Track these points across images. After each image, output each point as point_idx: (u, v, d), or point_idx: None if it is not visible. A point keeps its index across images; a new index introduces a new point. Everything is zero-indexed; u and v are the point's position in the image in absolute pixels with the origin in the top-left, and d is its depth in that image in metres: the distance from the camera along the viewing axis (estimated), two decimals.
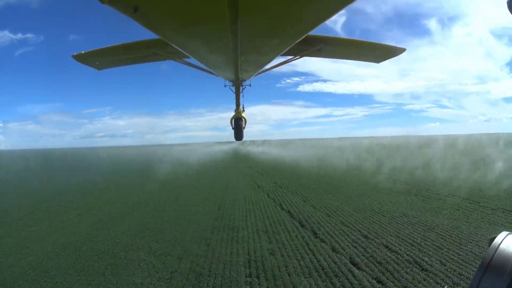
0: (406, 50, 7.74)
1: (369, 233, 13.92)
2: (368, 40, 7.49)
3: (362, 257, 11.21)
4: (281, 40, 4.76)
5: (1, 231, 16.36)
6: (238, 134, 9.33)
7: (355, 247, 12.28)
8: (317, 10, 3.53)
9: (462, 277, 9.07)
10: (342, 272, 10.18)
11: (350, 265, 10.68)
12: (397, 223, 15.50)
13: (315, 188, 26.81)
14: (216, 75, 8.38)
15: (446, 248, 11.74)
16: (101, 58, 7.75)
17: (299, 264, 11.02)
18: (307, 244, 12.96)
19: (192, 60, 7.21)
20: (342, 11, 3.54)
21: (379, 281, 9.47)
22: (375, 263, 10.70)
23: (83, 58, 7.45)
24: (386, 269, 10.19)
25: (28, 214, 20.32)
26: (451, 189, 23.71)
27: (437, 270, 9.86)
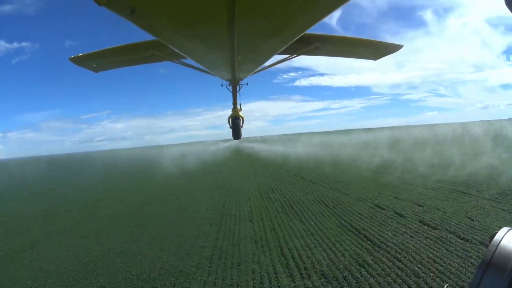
0: (403, 46, 7.79)
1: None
2: (364, 37, 7.49)
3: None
4: (278, 40, 4.77)
5: None
6: (236, 133, 9.38)
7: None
8: (314, 9, 3.54)
9: None
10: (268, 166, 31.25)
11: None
12: None
13: None
14: (213, 75, 8.40)
15: None
16: (98, 61, 7.73)
17: (252, 165, 38.37)
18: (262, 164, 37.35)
19: (189, 60, 7.22)
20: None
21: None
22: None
23: (80, 61, 7.43)
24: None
25: None
26: None
27: None
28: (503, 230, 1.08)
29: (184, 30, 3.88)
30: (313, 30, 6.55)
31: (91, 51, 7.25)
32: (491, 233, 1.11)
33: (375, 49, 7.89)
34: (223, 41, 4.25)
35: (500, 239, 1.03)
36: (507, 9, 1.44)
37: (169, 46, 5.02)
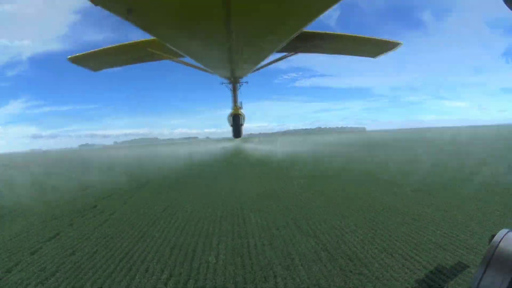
0: (403, 43, 7.74)
1: None
2: (363, 35, 7.43)
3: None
4: (276, 37, 4.76)
5: None
6: (236, 131, 9.37)
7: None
8: (309, 6, 3.53)
9: None
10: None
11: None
12: None
13: None
14: (212, 73, 8.38)
15: None
16: (97, 60, 7.70)
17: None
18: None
19: (188, 59, 7.20)
20: (336, 6, 3.55)
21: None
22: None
23: (79, 60, 7.42)
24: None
25: None
26: None
27: None
28: (503, 231, 1.05)
29: (182, 29, 3.87)
30: (311, 28, 6.53)
31: (89, 51, 7.24)
32: (491, 234, 1.11)
33: (374, 47, 7.83)
34: (221, 39, 4.24)
35: (499, 240, 1.02)
36: (505, 5, 1.42)
37: (167, 45, 5.01)
